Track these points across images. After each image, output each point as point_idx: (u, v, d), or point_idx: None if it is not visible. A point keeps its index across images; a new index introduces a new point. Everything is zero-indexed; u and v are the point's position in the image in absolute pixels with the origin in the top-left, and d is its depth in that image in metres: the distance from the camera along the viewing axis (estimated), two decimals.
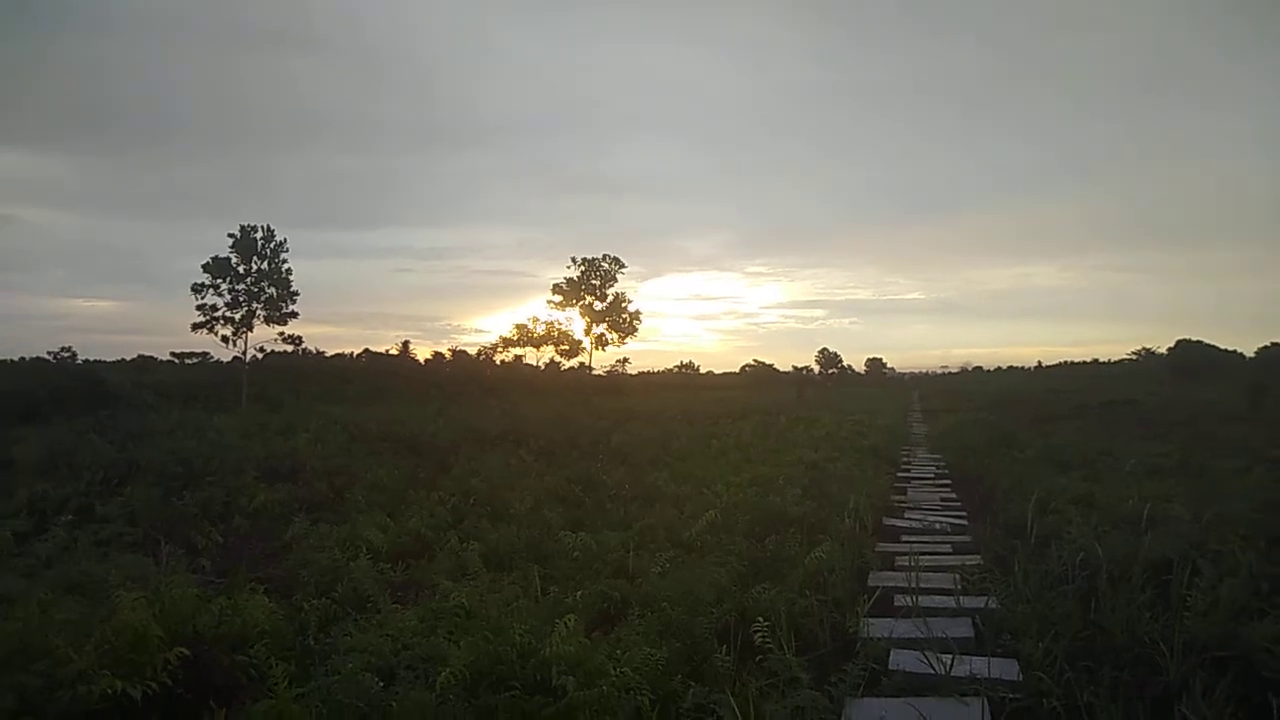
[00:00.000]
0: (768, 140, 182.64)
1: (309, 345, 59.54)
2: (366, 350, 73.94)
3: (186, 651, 4.85)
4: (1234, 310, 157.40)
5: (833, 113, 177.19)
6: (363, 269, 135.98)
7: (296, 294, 50.77)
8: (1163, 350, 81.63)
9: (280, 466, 14.70)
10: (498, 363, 74.51)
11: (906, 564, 8.00)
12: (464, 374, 64.32)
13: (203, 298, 49.16)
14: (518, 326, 75.51)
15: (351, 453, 17.32)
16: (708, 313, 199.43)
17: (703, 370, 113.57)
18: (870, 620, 6.41)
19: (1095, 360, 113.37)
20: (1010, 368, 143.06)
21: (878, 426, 27.74)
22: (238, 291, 49.31)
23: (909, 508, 12.47)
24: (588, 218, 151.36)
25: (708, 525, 9.33)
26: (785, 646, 5.41)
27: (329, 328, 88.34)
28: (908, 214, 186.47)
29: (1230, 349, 74.28)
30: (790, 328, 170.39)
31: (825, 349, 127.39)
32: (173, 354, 64.24)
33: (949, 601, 6.97)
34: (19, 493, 12.00)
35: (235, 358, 50.90)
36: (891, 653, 5.78)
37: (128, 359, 62.88)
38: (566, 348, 74.72)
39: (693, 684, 4.98)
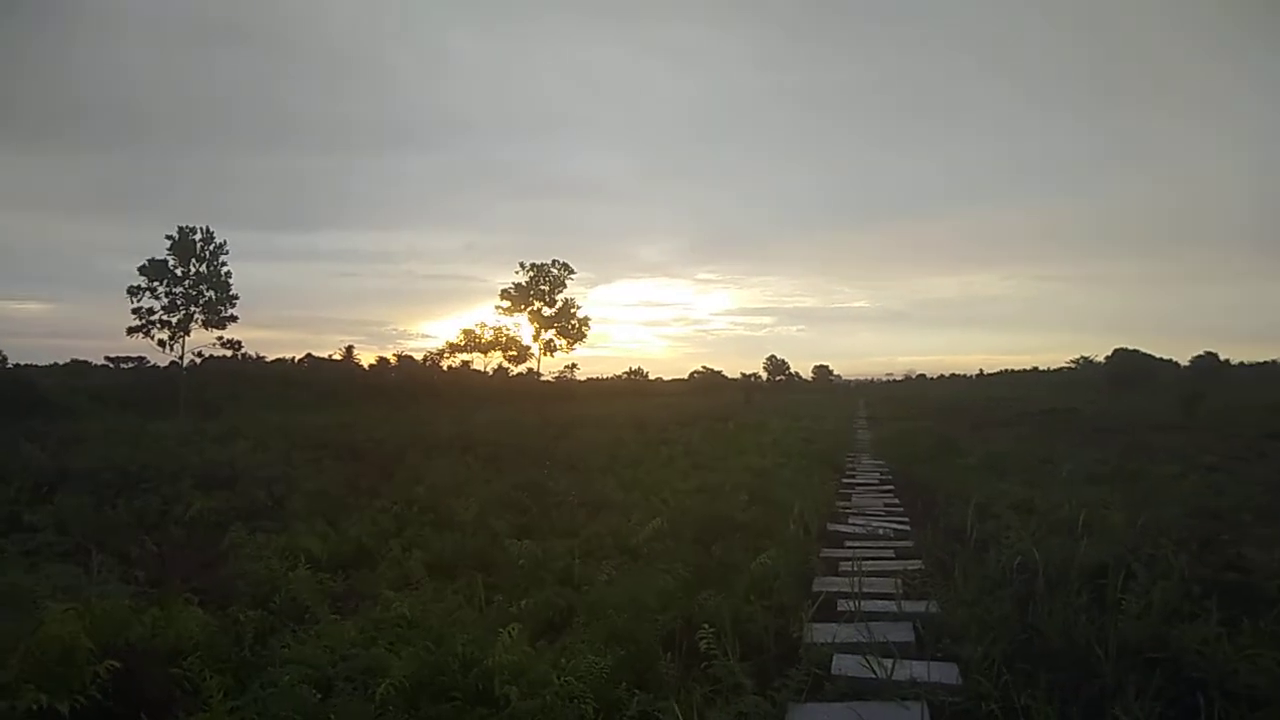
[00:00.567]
0: (718, 147, 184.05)
1: (249, 350, 58.39)
2: (309, 355, 72.91)
3: (117, 664, 4.70)
4: (1170, 320, 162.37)
5: (780, 120, 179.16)
6: (306, 272, 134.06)
7: (236, 297, 49.88)
8: (1101, 359, 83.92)
9: (218, 474, 14.41)
10: (444, 368, 73.85)
11: (850, 569, 8.07)
12: (410, 380, 63.71)
13: (139, 301, 48.04)
14: (465, 332, 74.90)
15: (292, 460, 17.02)
16: (657, 319, 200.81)
17: (652, 376, 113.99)
18: (814, 625, 6.44)
19: (1036, 368, 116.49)
20: (953, 375, 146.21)
21: (824, 433, 28.05)
22: (175, 294, 48.24)
23: (853, 513, 12.59)
24: (537, 223, 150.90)
25: (655, 532, 9.32)
26: (730, 653, 5.43)
27: (270, 332, 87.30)
28: (854, 222, 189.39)
29: (1166, 358, 76.66)
30: (739, 334, 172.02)
31: (773, 356, 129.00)
32: (107, 358, 62.69)
33: (891, 606, 7.04)
34: None
35: (172, 362, 49.88)
36: (834, 658, 5.81)
37: (60, 363, 61.39)
38: (514, 354, 74.26)
39: (637, 692, 4.96)
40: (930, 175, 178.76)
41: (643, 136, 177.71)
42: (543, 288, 72.31)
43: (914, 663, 5.61)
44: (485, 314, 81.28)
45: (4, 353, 59.91)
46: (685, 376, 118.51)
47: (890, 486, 15.70)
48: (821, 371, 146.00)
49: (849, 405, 64.45)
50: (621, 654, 5.49)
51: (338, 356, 74.14)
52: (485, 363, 75.19)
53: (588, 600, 6.69)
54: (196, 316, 48.59)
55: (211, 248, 49.15)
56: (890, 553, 9.68)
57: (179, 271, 48.29)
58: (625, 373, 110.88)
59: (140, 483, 13.31)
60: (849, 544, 10.14)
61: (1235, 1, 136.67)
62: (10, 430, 21.18)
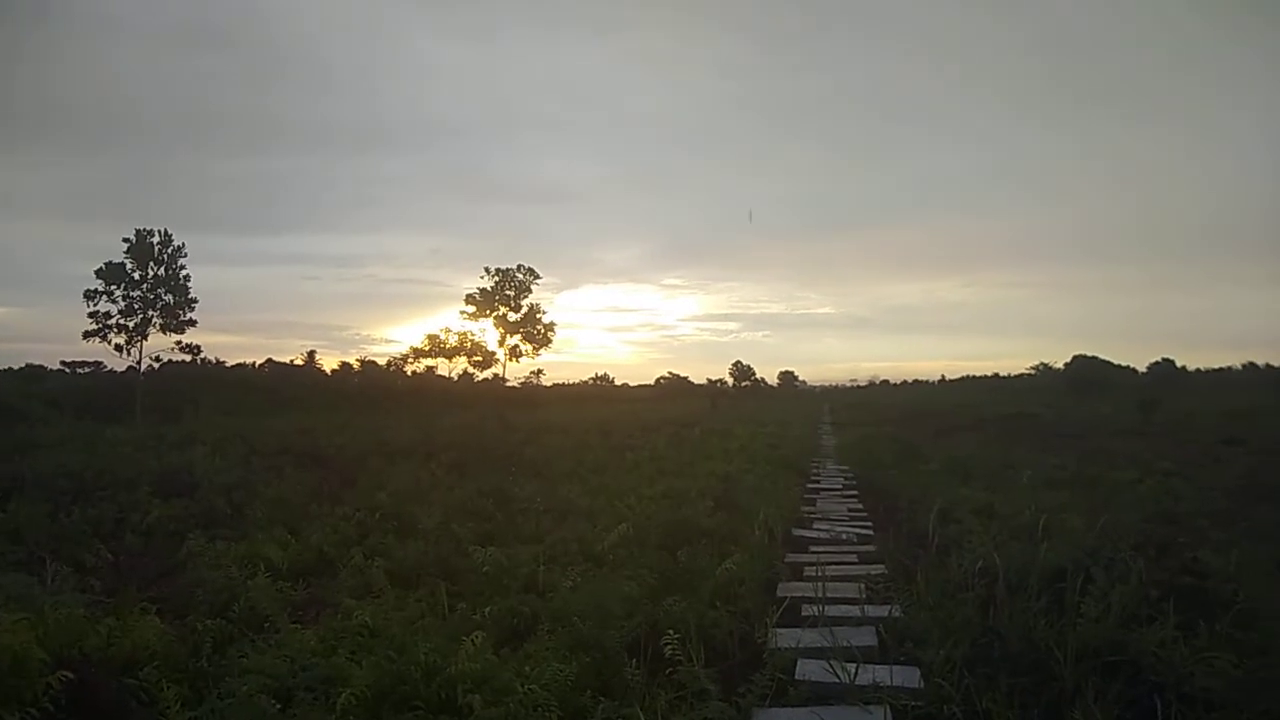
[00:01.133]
0: (685, 153, 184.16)
1: (208, 355, 57.48)
2: (270, 360, 71.74)
3: (71, 675, 4.60)
4: (1128, 327, 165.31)
5: (747, 128, 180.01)
6: (267, 276, 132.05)
7: (195, 301, 49.38)
8: (1060, 365, 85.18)
9: (176, 481, 14.16)
10: (408, 374, 73.28)
11: (814, 574, 8.11)
12: (373, 385, 63.14)
13: (95, 304, 47.44)
14: (429, 337, 74.54)
15: (252, 466, 16.79)
16: (623, 325, 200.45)
17: (618, 382, 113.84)
18: (778, 630, 6.47)
19: (997, 374, 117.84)
20: (916, 381, 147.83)
21: (789, 438, 28.20)
22: (132, 298, 47.65)
23: (818, 518, 12.67)
24: (503, 227, 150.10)
25: (620, 538, 9.32)
26: (695, 658, 5.43)
27: (230, 336, 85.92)
28: (819, 229, 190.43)
29: (1124, 364, 77.99)
30: (705, 340, 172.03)
31: (739, 361, 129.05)
32: (63, 363, 61.13)
33: (854, 611, 7.08)
34: None
35: (130, 367, 49.26)
36: (798, 662, 5.84)
37: (15, 368, 59.74)
38: (480, 359, 74.04)
39: (602, 699, 4.95)
40: (895, 183, 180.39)
41: (610, 142, 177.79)
42: (508, 293, 72.17)
43: (877, 667, 5.65)
44: (450, 319, 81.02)
45: None
46: (652, 382, 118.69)
47: (854, 492, 15.83)
48: (787, 377, 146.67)
49: (814, 411, 64.84)
50: (586, 661, 5.48)
51: (299, 361, 73.11)
52: (450, 368, 74.87)
53: (552, 607, 6.66)
54: (154, 320, 48.08)
55: (170, 251, 48.56)
56: (854, 557, 9.76)
57: (136, 275, 47.71)
58: (591, 378, 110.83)
59: (96, 490, 13.06)
60: (813, 549, 10.20)
61: (1201, 10, 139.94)
62: None
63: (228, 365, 65.09)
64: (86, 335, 47.49)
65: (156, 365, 50.48)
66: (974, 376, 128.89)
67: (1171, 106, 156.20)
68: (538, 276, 73.31)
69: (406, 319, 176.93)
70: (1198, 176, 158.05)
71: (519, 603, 6.83)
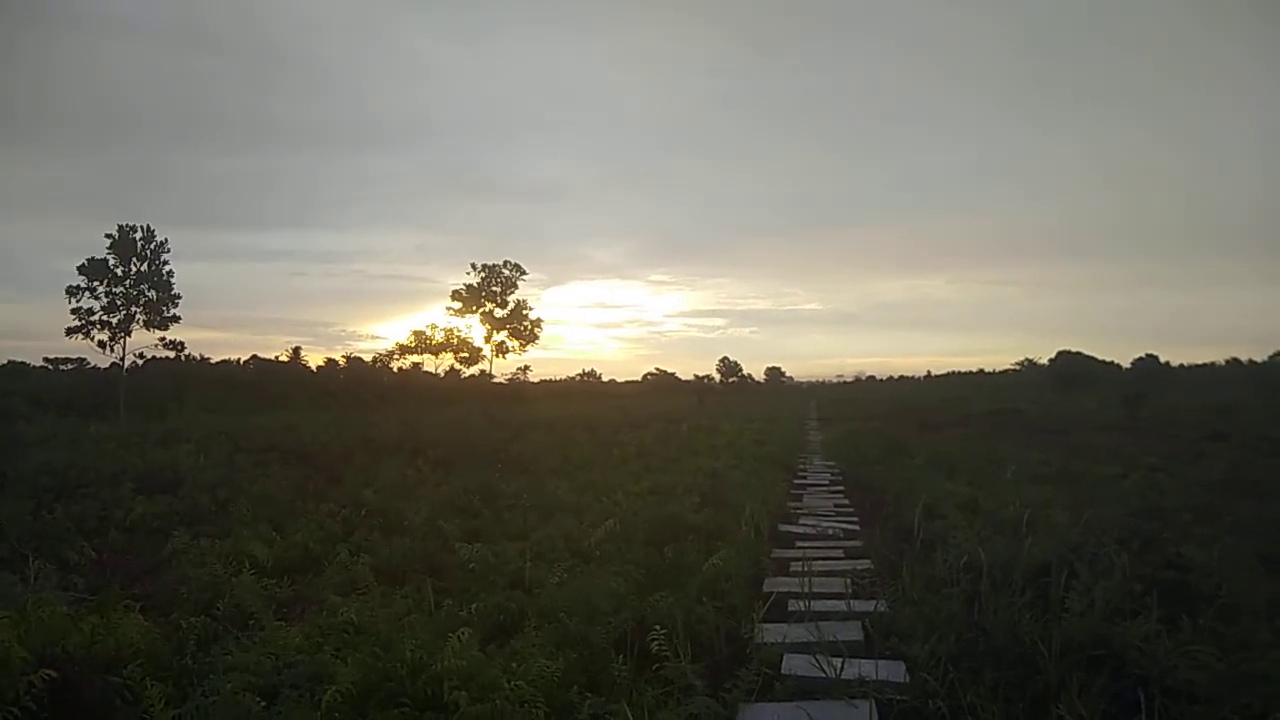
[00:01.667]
0: (672, 150, 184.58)
1: (192, 351, 57.34)
2: (255, 357, 71.46)
3: (53, 673, 4.55)
4: (1112, 323, 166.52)
5: (735, 125, 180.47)
6: (252, 272, 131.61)
7: (179, 297, 48.97)
8: (1045, 361, 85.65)
9: (160, 478, 14.07)
10: (394, 370, 73.07)
11: (800, 569, 8.14)
12: (359, 382, 62.85)
13: (78, 301, 46.97)
14: (415, 333, 74.29)
15: (237, 463, 16.69)
16: (610, 321, 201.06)
17: (605, 378, 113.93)
18: (764, 626, 6.48)
19: (981, 370, 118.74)
20: (902, 377, 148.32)
21: (776, 434, 28.25)
22: (115, 294, 47.22)
23: (804, 514, 12.71)
24: (489, 224, 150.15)
25: (607, 534, 9.31)
26: (682, 654, 5.45)
27: (214, 333, 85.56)
28: (807, 226, 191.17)
29: (1108, 360, 78.47)
30: (692, 336, 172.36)
31: (726, 358, 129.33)
32: (46, 360, 60.58)
33: (840, 605, 7.11)
34: None
35: (113, 364, 48.79)
36: (784, 657, 5.85)
37: None
38: (466, 355, 73.82)
39: (589, 695, 4.94)
40: (881, 182, 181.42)
41: (598, 140, 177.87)
42: (494, 289, 71.95)
43: (862, 661, 5.67)
44: (436, 315, 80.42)
45: None
46: (639, 378, 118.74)
47: (840, 487, 15.88)
48: (773, 373, 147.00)
49: (800, 407, 65.03)
50: (573, 657, 5.48)
51: (284, 358, 72.87)
52: (436, 364, 74.65)
53: (539, 603, 6.65)
54: (138, 317, 47.65)
55: (153, 246, 48.17)
56: (840, 553, 9.79)
57: (119, 271, 47.28)
58: (578, 374, 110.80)
59: (80, 487, 12.96)
60: (800, 544, 10.24)
61: (1187, 9, 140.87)
62: None
63: (212, 362, 64.91)
64: (69, 332, 47.04)
65: (140, 362, 50.10)
66: (959, 372, 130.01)
67: (1155, 106, 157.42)
68: (524, 273, 73.19)
69: (393, 315, 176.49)
70: (1181, 176, 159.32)
71: (505, 599, 6.81)
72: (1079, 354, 77.06)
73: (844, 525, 11.61)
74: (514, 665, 5.02)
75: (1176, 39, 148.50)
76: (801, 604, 7.08)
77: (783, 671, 5.66)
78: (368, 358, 76.15)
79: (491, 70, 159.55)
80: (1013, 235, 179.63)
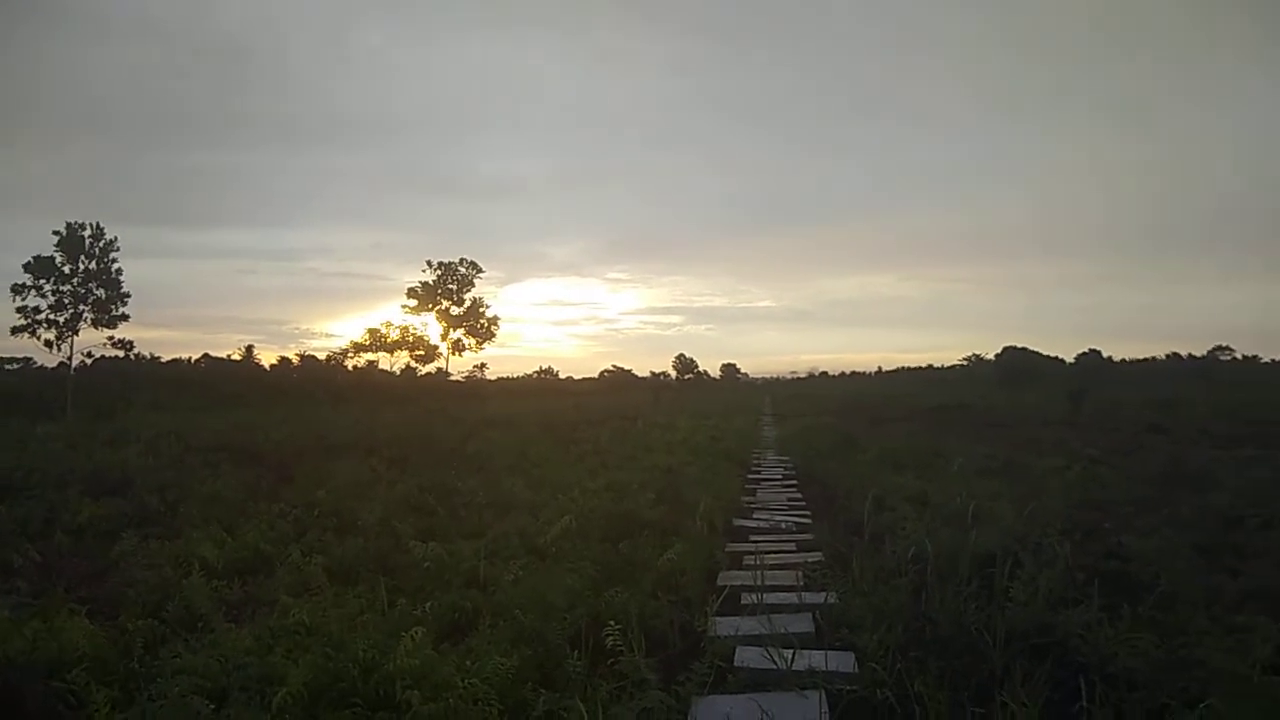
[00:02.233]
0: (629, 148, 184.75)
1: (142, 350, 56.18)
2: (206, 355, 70.40)
3: None
4: (1057, 319, 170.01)
5: (692, 123, 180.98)
6: (203, 270, 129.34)
7: (128, 296, 48.03)
8: (991, 357, 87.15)
9: (108, 479, 13.81)
10: (349, 368, 72.21)
11: (753, 563, 8.25)
12: (313, 380, 62.01)
13: (24, 299, 45.89)
14: (370, 331, 73.57)
15: (187, 464, 16.41)
16: (567, 318, 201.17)
17: (562, 375, 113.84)
18: (718, 619, 6.55)
19: (931, 366, 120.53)
20: (854, 373, 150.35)
21: (731, 430, 28.41)
22: (63, 293, 46.21)
23: (758, 508, 12.83)
24: (446, 221, 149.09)
25: (563, 531, 9.33)
26: (636, 648, 5.48)
27: (165, 332, 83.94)
28: (762, 225, 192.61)
29: (1053, 355, 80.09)
30: (648, 333, 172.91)
31: (682, 355, 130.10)
32: None
33: (792, 598, 7.20)
34: None
35: (60, 363, 47.72)
36: (737, 650, 5.93)
37: None
38: (422, 353, 73.22)
39: (543, 691, 4.95)
40: (834, 180, 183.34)
41: (556, 137, 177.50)
42: (451, 286, 71.44)
43: (813, 652, 5.75)
44: (392, 313, 79.81)
45: None
46: (595, 375, 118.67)
47: (794, 482, 16.03)
48: (729, 370, 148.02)
49: (755, 403, 65.39)
50: (528, 654, 5.49)
51: (237, 356, 71.84)
52: (391, 362, 73.99)
53: (494, 601, 6.66)
54: (86, 316, 46.72)
55: (102, 244, 47.20)
56: (792, 546, 9.90)
57: (67, 269, 46.31)
58: (536, 372, 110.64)
59: (25, 489, 12.69)
60: (753, 538, 10.33)
61: (1146, 11, 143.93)
62: None
63: (163, 361, 63.78)
64: (15, 331, 45.95)
65: (88, 361, 49.05)
66: (909, 368, 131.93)
67: (1102, 109, 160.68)
68: (481, 270, 72.79)
69: (347, 313, 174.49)
70: (1123, 177, 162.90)
71: (460, 597, 6.80)
72: (1024, 350, 78.59)
73: (797, 519, 11.75)
74: (468, 663, 5.02)
75: (1131, 44, 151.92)
76: (754, 597, 7.16)
77: (735, 664, 5.73)
78: (322, 356, 75.31)
79: (449, 68, 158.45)
80: (962, 233, 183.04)
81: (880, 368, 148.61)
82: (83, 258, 46.61)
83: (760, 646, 5.82)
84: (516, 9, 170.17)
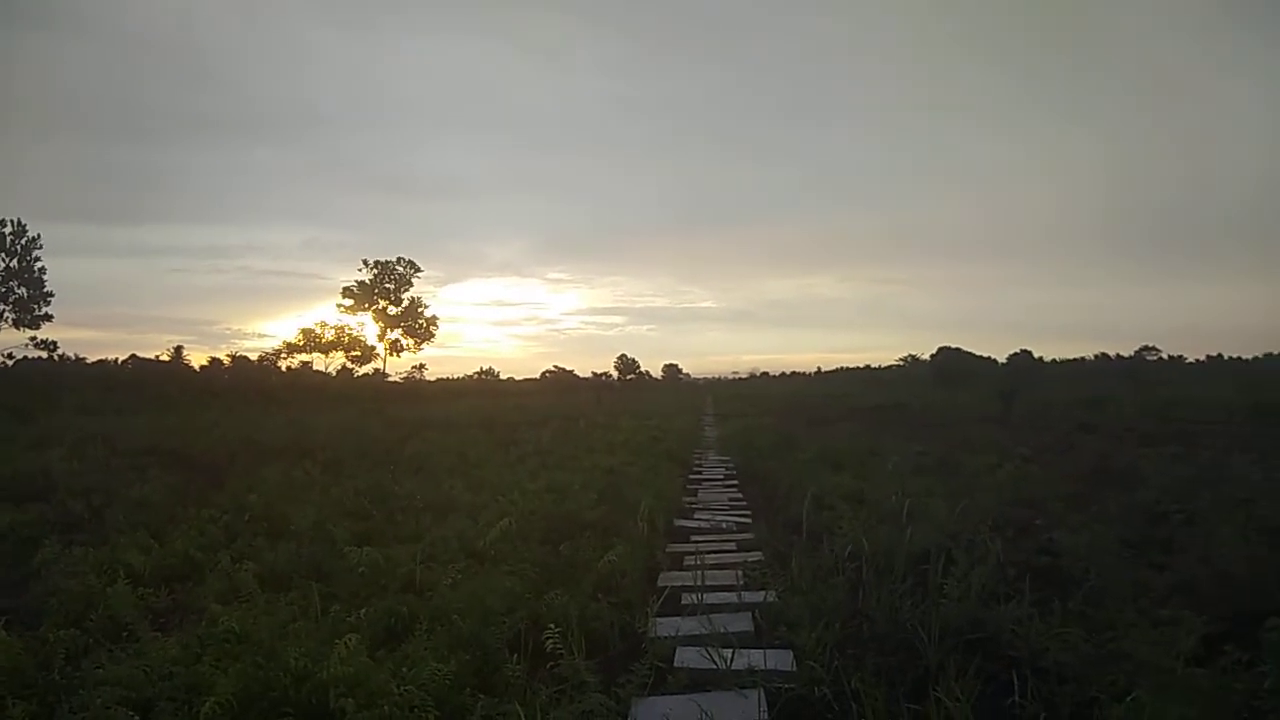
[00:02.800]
0: (569, 146, 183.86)
1: (66, 351, 54.24)
2: (133, 356, 68.17)
3: None
4: (991, 320, 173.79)
5: (632, 123, 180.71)
6: (130, 268, 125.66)
7: (51, 295, 46.68)
8: (927, 357, 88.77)
9: (30, 484, 13.40)
10: (283, 370, 70.80)
11: (694, 563, 8.26)
12: (245, 382, 60.51)
13: None
14: (304, 331, 72.35)
15: (113, 468, 15.92)
16: (508, 319, 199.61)
17: (503, 376, 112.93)
18: (658, 620, 6.56)
19: (868, 366, 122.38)
20: (794, 373, 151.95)
21: (673, 430, 28.47)
22: None
23: (699, 508, 12.88)
24: (382, 218, 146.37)
25: (502, 533, 9.23)
26: (576, 651, 5.45)
27: (90, 332, 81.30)
28: (702, 225, 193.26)
29: (985, 355, 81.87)
30: (590, 334, 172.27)
31: (624, 355, 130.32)
32: None
33: (732, 597, 7.25)
34: None
35: None
36: (677, 650, 5.93)
37: None
38: (359, 354, 72.19)
39: (482, 696, 4.90)
40: (772, 181, 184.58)
41: (495, 134, 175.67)
42: (388, 286, 70.65)
43: (752, 651, 5.79)
44: (327, 313, 78.37)
45: None
46: (537, 376, 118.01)
47: (735, 481, 16.14)
48: (671, 370, 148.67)
49: (697, 403, 65.69)
50: (466, 659, 5.42)
51: (165, 357, 69.65)
52: (326, 363, 72.80)
53: (431, 606, 6.56)
54: (6, 315, 45.12)
55: (24, 241, 45.72)
56: (733, 545, 9.96)
57: None
58: (476, 373, 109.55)
59: None
60: (694, 538, 10.37)
61: (1069, 19, 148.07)
62: None
63: (88, 362, 61.60)
64: None
65: (9, 362, 47.51)
66: (847, 368, 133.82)
67: (1035, 111, 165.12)
68: (419, 270, 72.13)
69: (280, 313, 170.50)
70: (1060, 182, 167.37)
71: (397, 603, 6.68)
72: (958, 350, 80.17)
73: (737, 519, 11.82)
74: (404, 670, 4.94)
75: (1069, 42, 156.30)
76: (695, 597, 7.19)
77: (675, 664, 5.73)
78: (254, 357, 73.56)
79: (383, 62, 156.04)
80: (898, 235, 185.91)
81: (820, 368, 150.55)
82: (3, 255, 45.08)
83: (700, 646, 5.83)
84: (454, 6, 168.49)
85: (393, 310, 70.68)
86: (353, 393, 59.00)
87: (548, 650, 5.47)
